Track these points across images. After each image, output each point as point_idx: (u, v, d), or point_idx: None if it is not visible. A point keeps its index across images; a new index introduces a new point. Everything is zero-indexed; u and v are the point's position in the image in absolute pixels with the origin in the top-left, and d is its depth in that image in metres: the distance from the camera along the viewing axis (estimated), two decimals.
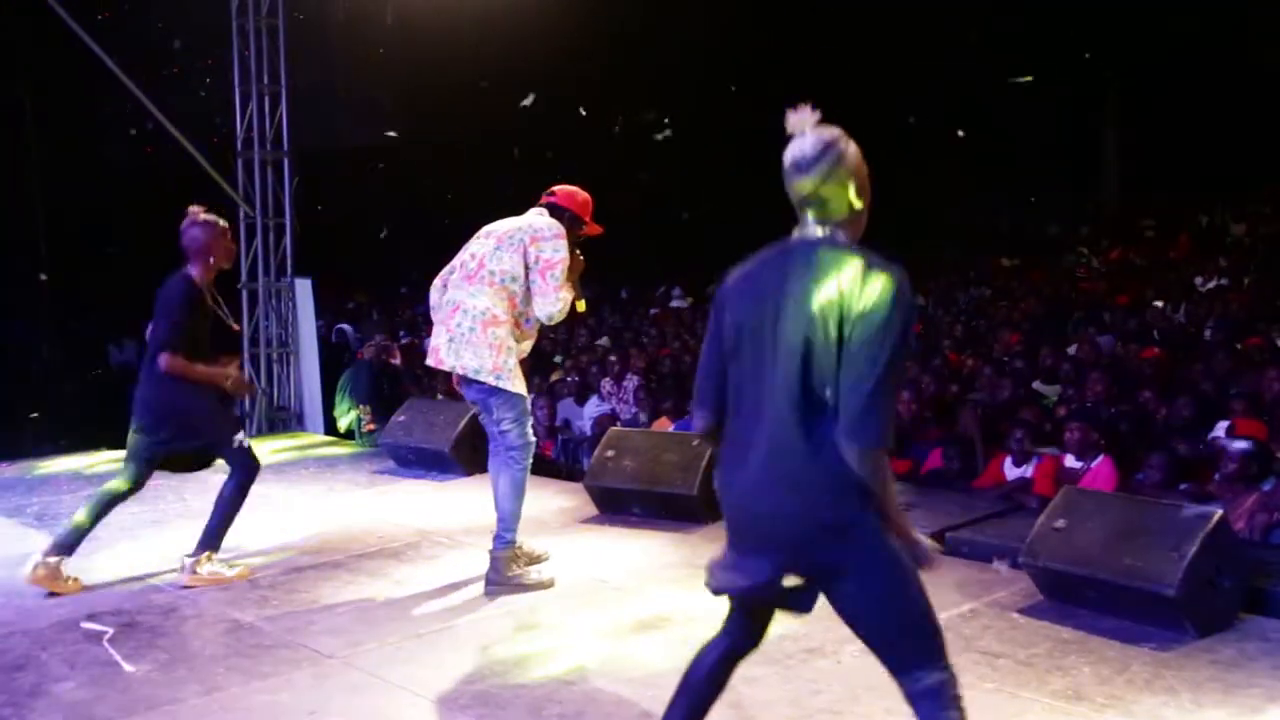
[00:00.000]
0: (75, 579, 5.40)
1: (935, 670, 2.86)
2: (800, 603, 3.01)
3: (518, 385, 5.18)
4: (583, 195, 5.39)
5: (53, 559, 5.35)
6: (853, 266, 2.81)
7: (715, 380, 3.11)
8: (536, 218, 5.25)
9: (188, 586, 5.39)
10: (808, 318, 2.80)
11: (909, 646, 2.89)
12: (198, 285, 5.42)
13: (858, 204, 2.95)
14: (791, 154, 2.96)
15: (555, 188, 5.40)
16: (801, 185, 2.93)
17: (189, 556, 5.44)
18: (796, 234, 2.97)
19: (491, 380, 5.10)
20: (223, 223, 5.60)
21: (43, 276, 12.72)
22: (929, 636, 2.89)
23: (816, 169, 2.92)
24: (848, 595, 2.89)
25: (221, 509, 5.46)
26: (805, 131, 2.96)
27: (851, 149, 2.96)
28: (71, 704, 4.12)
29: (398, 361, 11.65)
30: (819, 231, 2.93)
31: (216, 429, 5.50)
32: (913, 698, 2.88)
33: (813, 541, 2.86)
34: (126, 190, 13.23)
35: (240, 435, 5.56)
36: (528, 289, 5.17)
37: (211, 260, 5.47)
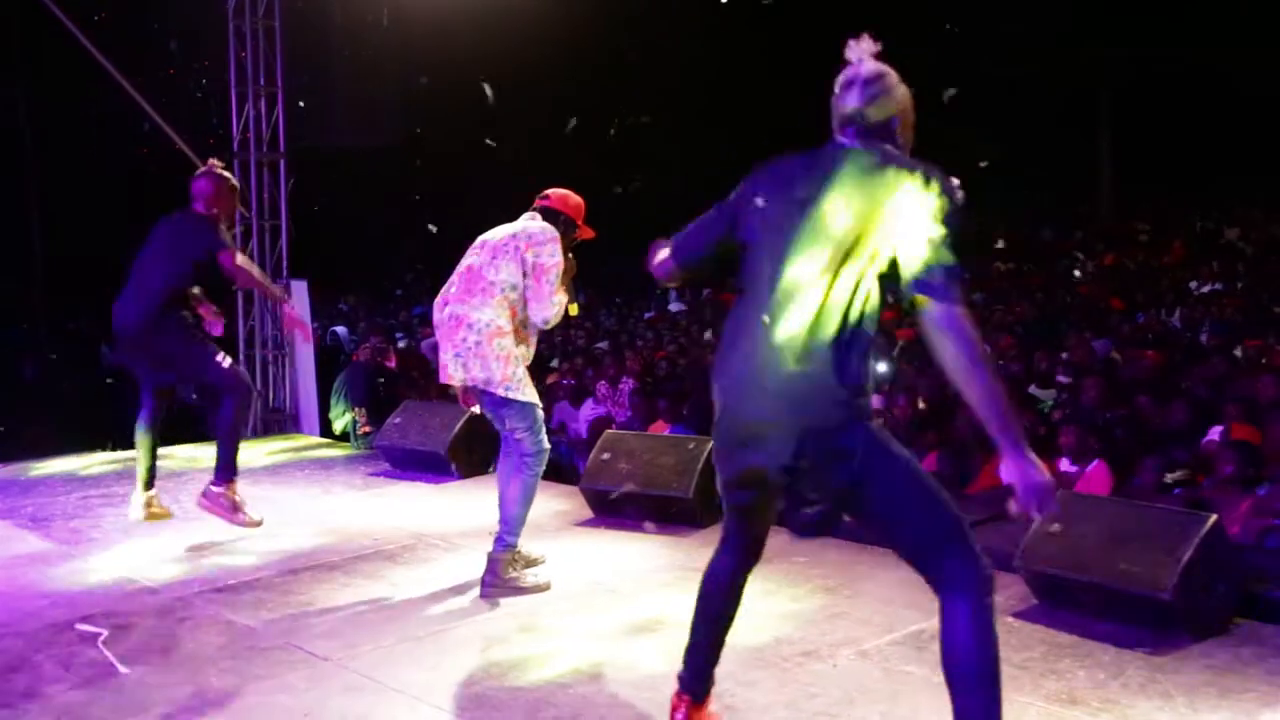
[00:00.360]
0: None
1: (964, 559, 2.86)
2: (806, 524, 3.02)
3: (528, 394, 5.16)
4: (575, 199, 5.37)
5: (147, 495, 5.94)
6: (885, 165, 2.86)
7: (703, 243, 3.25)
8: (530, 223, 5.24)
9: (204, 508, 5.82)
10: (836, 217, 2.83)
11: (932, 537, 2.89)
12: (207, 219, 5.63)
13: (898, 138, 3.00)
14: (844, 75, 3.02)
15: (549, 191, 5.38)
16: (847, 105, 2.98)
17: (212, 485, 5.75)
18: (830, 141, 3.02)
19: (501, 392, 5.09)
20: (234, 181, 5.81)
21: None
22: (951, 524, 2.89)
23: (866, 91, 2.97)
24: (863, 497, 2.92)
25: (223, 437, 5.73)
26: (862, 59, 3.02)
27: (903, 88, 3.02)
28: (65, 706, 4.10)
29: (392, 364, 11.64)
30: (851, 139, 2.98)
31: (200, 361, 5.73)
32: (945, 595, 2.87)
33: (808, 435, 2.87)
34: (122, 191, 13.22)
35: (222, 356, 5.76)
36: (525, 296, 5.17)
37: (215, 211, 5.64)
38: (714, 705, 3.42)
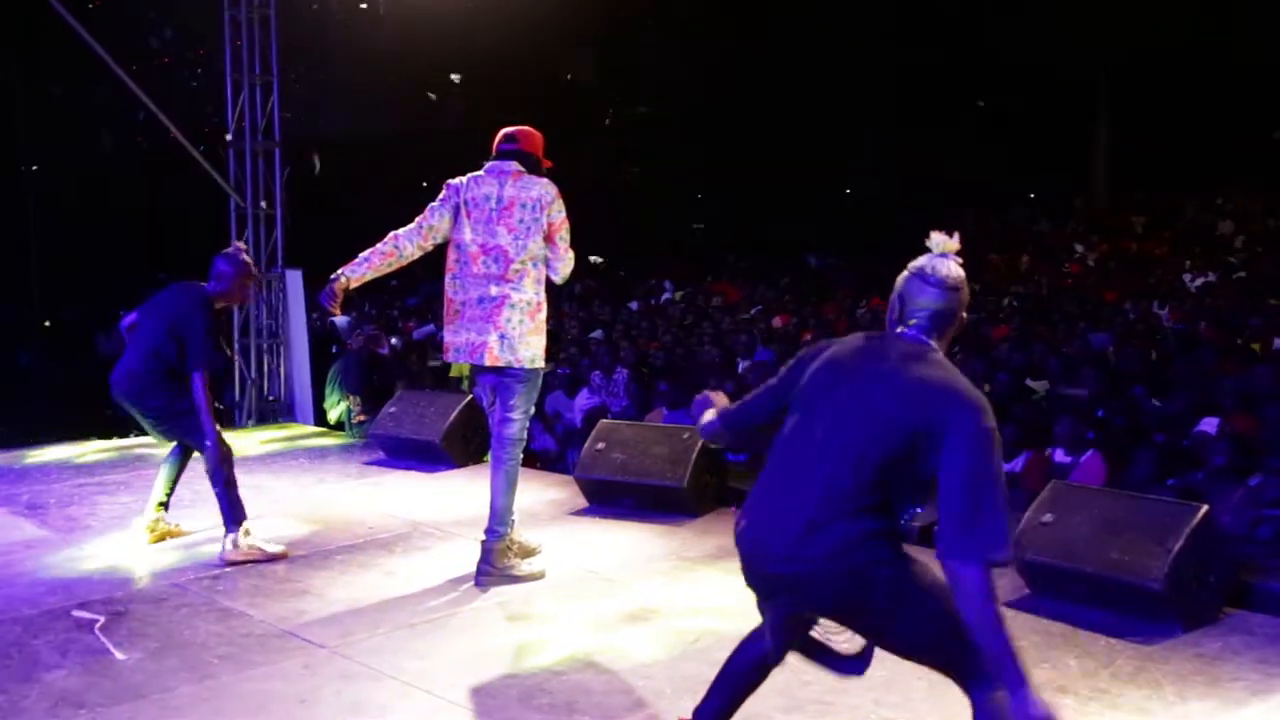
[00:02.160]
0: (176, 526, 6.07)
1: (987, 689, 2.87)
2: (850, 666, 3.19)
3: (542, 364, 5.27)
4: (537, 133, 5.33)
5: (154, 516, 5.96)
6: (953, 380, 2.90)
7: (752, 416, 3.32)
8: (530, 185, 5.16)
9: (231, 563, 5.58)
10: (885, 413, 2.88)
11: (959, 668, 2.93)
12: (212, 301, 5.73)
13: (950, 334, 3.09)
14: (931, 267, 3.07)
15: (513, 131, 5.29)
16: (925, 301, 3.04)
17: (227, 538, 5.64)
18: (899, 329, 3.08)
19: (528, 365, 5.16)
20: (254, 268, 5.99)
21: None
22: (970, 658, 2.89)
23: (946, 298, 3.04)
24: (875, 636, 3.02)
25: (218, 491, 5.66)
26: (948, 256, 3.09)
27: (965, 291, 3.10)
28: (63, 691, 4.12)
29: (386, 352, 11.63)
30: (919, 334, 3.04)
31: (185, 419, 5.71)
32: (973, 709, 2.93)
33: (824, 605, 2.99)
34: (119, 180, 13.19)
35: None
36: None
37: (229, 293, 5.83)
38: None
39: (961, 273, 3.10)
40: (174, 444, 5.99)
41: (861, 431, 2.88)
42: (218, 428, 5.68)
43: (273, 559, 5.66)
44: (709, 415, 3.50)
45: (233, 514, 5.64)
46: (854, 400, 2.93)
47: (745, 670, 3.30)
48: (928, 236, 3.14)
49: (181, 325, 5.61)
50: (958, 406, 2.82)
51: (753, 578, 3.08)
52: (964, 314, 3.12)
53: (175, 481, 6.00)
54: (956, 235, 3.12)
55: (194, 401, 5.60)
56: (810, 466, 2.93)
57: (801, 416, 3.05)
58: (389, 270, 5.31)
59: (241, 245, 6.06)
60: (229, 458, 5.71)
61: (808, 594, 2.97)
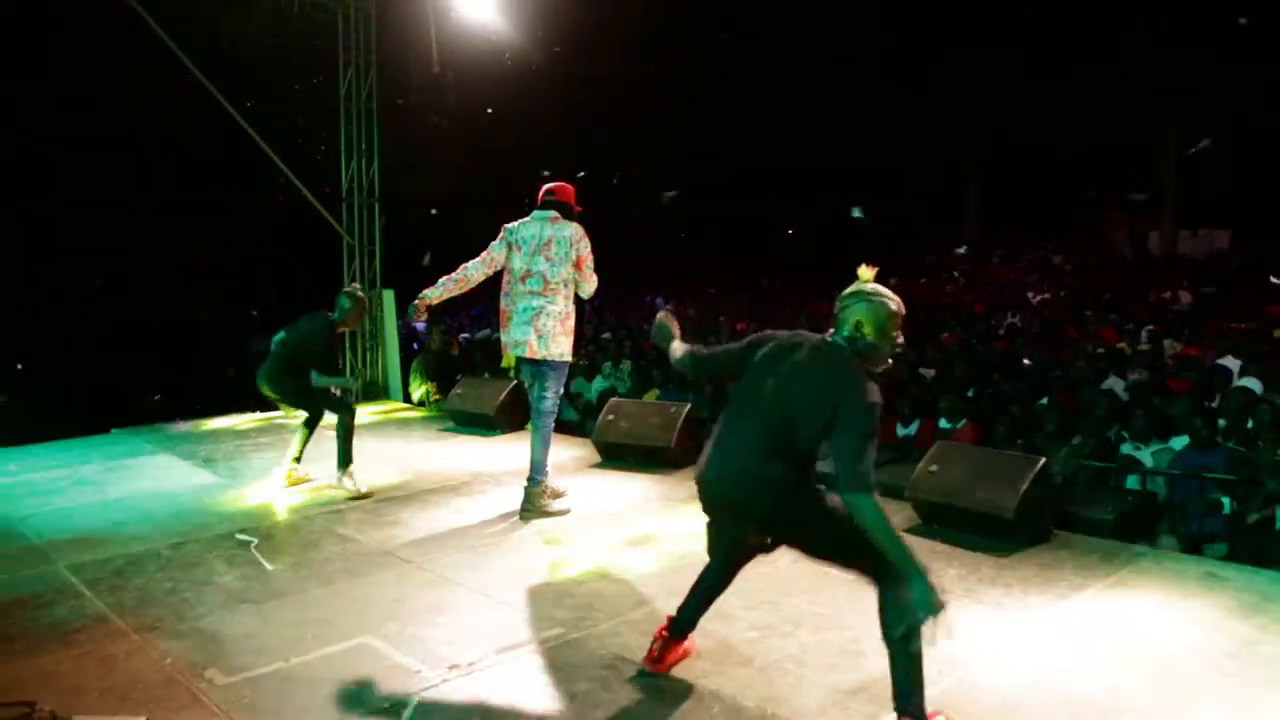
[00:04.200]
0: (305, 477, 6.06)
1: (890, 584, 2.84)
2: (767, 549, 3.17)
3: (569, 358, 5.25)
4: (570, 186, 5.32)
5: (290, 467, 5.99)
6: (851, 374, 2.88)
7: (714, 363, 3.32)
8: (564, 228, 5.15)
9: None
10: (804, 393, 2.90)
11: (863, 568, 2.91)
12: (335, 326, 5.77)
13: (881, 343, 2.99)
14: (858, 289, 3.03)
15: (552, 186, 5.26)
16: (853, 313, 2.99)
17: (338, 471, 5.79)
18: (830, 335, 3.04)
19: (557, 358, 5.16)
20: (367, 305, 6.05)
21: (254, 313, 12.74)
22: (870, 556, 2.82)
23: (876, 322, 2.97)
24: (798, 544, 3.02)
25: (339, 439, 5.81)
26: (871, 280, 3.05)
27: (894, 306, 3.01)
28: (230, 591, 4.17)
29: (456, 351, 11.63)
30: (838, 339, 3.00)
31: (316, 397, 5.82)
32: (879, 591, 2.89)
33: (757, 518, 3.02)
34: (267, 227, 13.25)
35: (337, 392, 5.87)
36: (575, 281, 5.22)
37: (346, 321, 5.85)
38: (687, 643, 3.43)
39: (897, 301, 3.01)
40: (306, 415, 6.01)
41: (788, 404, 2.92)
42: (344, 398, 5.76)
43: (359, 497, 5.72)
44: (680, 349, 3.46)
45: (344, 459, 5.76)
46: (784, 382, 2.96)
47: (710, 582, 3.33)
48: (852, 269, 3.11)
49: (306, 346, 5.70)
50: (851, 391, 2.83)
51: (707, 503, 3.11)
52: (886, 343, 2.98)
53: (305, 443, 6.01)
54: (875, 269, 3.07)
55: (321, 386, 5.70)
56: (750, 425, 2.98)
57: (747, 387, 3.05)
58: (459, 292, 5.30)
59: (358, 286, 6.07)
60: (353, 413, 5.83)
61: (746, 513, 3.02)
